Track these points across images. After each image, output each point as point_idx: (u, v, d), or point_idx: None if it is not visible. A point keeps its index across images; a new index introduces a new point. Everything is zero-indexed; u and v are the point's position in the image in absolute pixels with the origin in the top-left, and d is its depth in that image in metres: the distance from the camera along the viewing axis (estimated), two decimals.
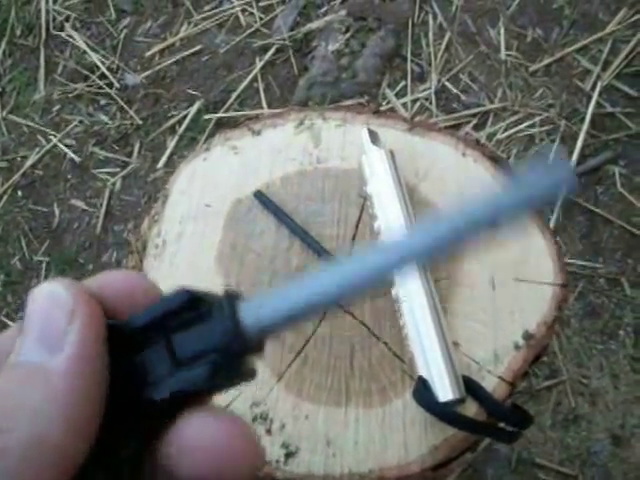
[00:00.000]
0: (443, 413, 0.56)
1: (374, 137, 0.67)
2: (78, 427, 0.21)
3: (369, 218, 0.67)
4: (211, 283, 0.67)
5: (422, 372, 0.58)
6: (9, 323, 1.49)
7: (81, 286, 0.24)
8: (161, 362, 0.24)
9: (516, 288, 0.64)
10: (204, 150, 0.74)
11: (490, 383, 0.61)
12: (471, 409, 0.60)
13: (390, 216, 0.63)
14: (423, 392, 0.57)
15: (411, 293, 0.60)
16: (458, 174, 0.69)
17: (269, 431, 0.61)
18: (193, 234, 0.69)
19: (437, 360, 0.58)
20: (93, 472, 0.22)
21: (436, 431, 0.59)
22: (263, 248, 0.67)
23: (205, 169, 0.72)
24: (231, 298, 0.24)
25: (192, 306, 0.24)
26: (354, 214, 0.68)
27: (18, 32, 1.81)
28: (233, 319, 0.24)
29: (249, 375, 0.25)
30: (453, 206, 0.24)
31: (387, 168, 0.65)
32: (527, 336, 0.62)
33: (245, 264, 0.67)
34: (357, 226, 0.67)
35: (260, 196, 0.68)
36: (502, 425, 0.60)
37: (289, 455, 0.60)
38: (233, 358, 0.24)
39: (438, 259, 0.24)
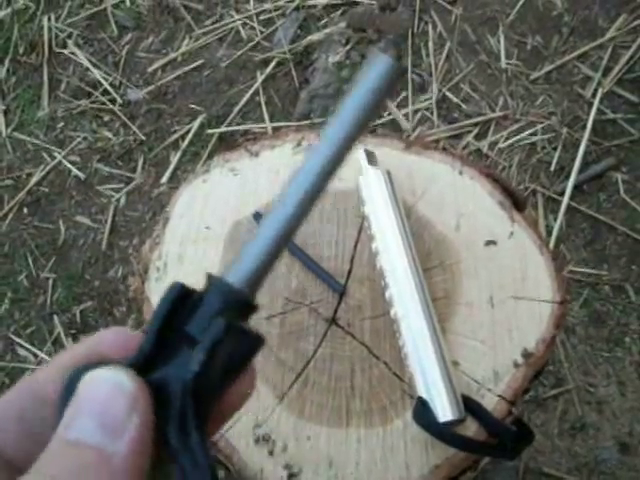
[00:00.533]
0: (443, 433, 0.57)
1: (371, 157, 0.68)
2: None
3: (367, 239, 0.67)
4: None
5: (422, 392, 0.59)
6: (16, 339, 1.50)
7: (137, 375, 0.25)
8: (182, 351, 0.26)
9: (515, 306, 0.64)
10: (203, 172, 0.74)
11: (490, 402, 0.61)
12: (471, 428, 0.60)
13: (387, 236, 0.64)
14: (423, 413, 0.58)
15: (409, 313, 0.61)
16: (455, 192, 0.69)
17: (272, 453, 0.61)
18: (194, 256, 0.70)
19: (436, 380, 0.58)
20: None
21: (437, 450, 0.60)
22: None
23: (205, 191, 0.73)
24: (213, 276, 0.27)
25: (187, 295, 0.26)
26: (352, 235, 0.68)
27: (21, 50, 1.83)
28: (223, 286, 0.26)
29: (259, 340, 0.27)
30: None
31: (384, 189, 0.66)
32: (526, 354, 0.62)
33: None
34: (355, 247, 0.68)
35: (259, 218, 0.69)
36: (503, 442, 0.60)
37: (292, 476, 0.60)
38: (237, 315, 0.27)
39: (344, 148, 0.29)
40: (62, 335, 1.46)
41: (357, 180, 0.68)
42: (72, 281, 1.53)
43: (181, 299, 0.26)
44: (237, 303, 0.27)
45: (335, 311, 0.65)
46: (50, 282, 1.54)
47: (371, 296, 0.65)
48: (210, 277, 0.27)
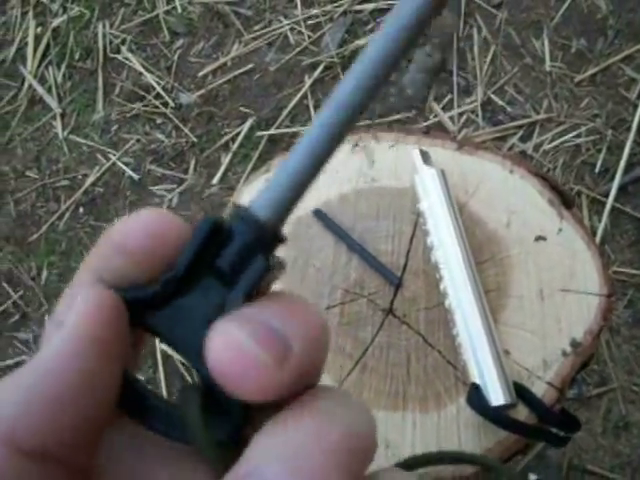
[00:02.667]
0: (496, 417, 0.60)
1: (425, 157, 0.72)
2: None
3: (422, 234, 0.71)
4: None
5: (475, 378, 0.62)
6: None
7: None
8: (216, 288, 0.25)
9: (563, 299, 0.67)
10: (264, 172, 0.78)
11: (539, 389, 0.64)
12: (522, 414, 0.63)
13: (442, 231, 0.68)
14: (476, 397, 0.61)
15: (463, 303, 0.64)
16: (506, 190, 0.72)
17: None
18: None
19: (489, 367, 0.62)
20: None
21: (489, 434, 0.63)
22: (323, 263, 0.72)
23: None
24: (242, 207, 0.26)
25: (219, 228, 0.25)
26: (408, 230, 0.72)
27: (77, 56, 1.89)
28: (253, 218, 0.25)
29: (282, 265, 0.26)
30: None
31: (438, 186, 0.69)
32: (575, 344, 0.65)
33: (306, 278, 0.72)
34: (411, 241, 0.71)
35: (319, 214, 0.73)
36: (551, 429, 0.63)
37: None
38: (268, 249, 0.26)
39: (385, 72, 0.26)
40: None
41: (412, 179, 0.72)
42: None
43: (213, 233, 0.25)
44: (267, 237, 0.25)
45: (391, 302, 0.69)
46: None
47: (426, 288, 0.69)
48: (238, 208, 0.26)
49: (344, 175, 0.76)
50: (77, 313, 0.23)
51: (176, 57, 1.81)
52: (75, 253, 1.65)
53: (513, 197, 0.72)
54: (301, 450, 0.21)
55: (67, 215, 1.70)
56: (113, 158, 1.72)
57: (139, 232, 0.25)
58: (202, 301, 0.25)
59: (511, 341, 0.66)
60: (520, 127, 1.55)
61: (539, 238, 0.70)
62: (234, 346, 0.22)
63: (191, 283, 0.25)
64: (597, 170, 1.48)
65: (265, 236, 0.25)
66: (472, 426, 0.63)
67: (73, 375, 0.22)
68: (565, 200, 0.72)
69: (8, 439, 0.21)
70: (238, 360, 0.21)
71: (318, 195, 0.75)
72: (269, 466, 0.20)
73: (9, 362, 1.56)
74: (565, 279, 0.68)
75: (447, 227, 0.67)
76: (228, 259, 0.25)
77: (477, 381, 0.62)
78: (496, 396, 0.61)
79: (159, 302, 0.25)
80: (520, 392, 0.62)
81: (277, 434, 0.22)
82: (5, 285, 1.66)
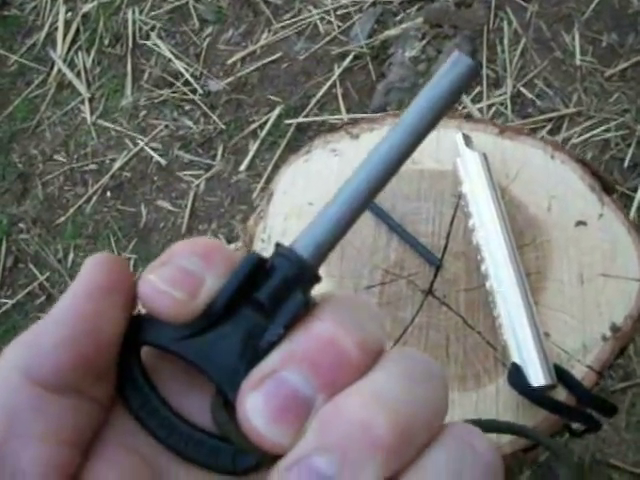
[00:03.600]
0: (536, 397, 0.60)
1: (468, 141, 0.72)
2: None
3: (463, 216, 0.71)
4: None
5: (515, 359, 0.63)
6: None
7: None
8: (253, 319, 0.26)
9: (603, 283, 0.67)
10: (305, 152, 0.79)
11: (579, 372, 0.64)
12: (561, 396, 0.63)
13: (484, 214, 0.68)
14: (517, 377, 0.61)
15: (504, 285, 0.65)
16: (547, 175, 0.73)
17: None
18: (297, 231, 0.74)
19: (530, 348, 0.62)
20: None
21: (527, 415, 0.63)
22: (362, 243, 0.73)
23: (307, 170, 0.78)
24: (282, 246, 0.28)
25: (261, 264, 0.27)
26: (448, 213, 0.72)
27: (106, 41, 1.90)
28: (293, 256, 0.27)
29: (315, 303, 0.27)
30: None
31: (481, 170, 0.70)
32: (614, 329, 0.65)
33: (345, 258, 0.72)
34: (452, 223, 0.72)
35: None
36: (590, 412, 0.64)
37: None
38: (306, 287, 0.27)
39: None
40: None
41: (454, 161, 0.72)
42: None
43: (256, 269, 0.26)
44: (307, 275, 0.27)
45: (431, 283, 0.70)
46: (132, 262, 1.61)
47: (466, 270, 0.70)
48: (280, 246, 0.28)
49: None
50: (86, 268, 0.26)
51: (205, 44, 1.82)
52: (102, 237, 1.66)
53: (554, 182, 0.72)
54: (316, 351, 0.23)
55: (94, 199, 1.71)
56: (141, 143, 1.73)
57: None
58: (238, 331, 0.26)
59: (551, 324, 0.66)
60: (549, 120, 1.55)
61: (580, 223, 0.70)
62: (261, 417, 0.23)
63: (228, 314, 0.26)
64: (626, 165, 1.47)
65: (305, 274, 0.26)
66: (510, 407, 0.64)
67: (84, 312, 0.25)
68: (606, 186, 0.72)
69: (26, 372, 0.24)
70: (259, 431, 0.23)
71: None
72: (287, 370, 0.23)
73: None
74: (605, 264, 0.68)
75: (489, 209, 0.68)
76: (268, 292, 0.26)
77: (517, 362, 0.62)
78: (536, 377, 0.61)
79: (194, 333, 0.26)
80: (560, 374, 0.62)
81: (293, 340, 0.24)
82: (32, 267, 1.67)
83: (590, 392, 0.63)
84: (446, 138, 0.75)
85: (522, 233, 0.70)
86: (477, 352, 0.66)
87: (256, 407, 0.23)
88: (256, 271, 0.26)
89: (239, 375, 0.25)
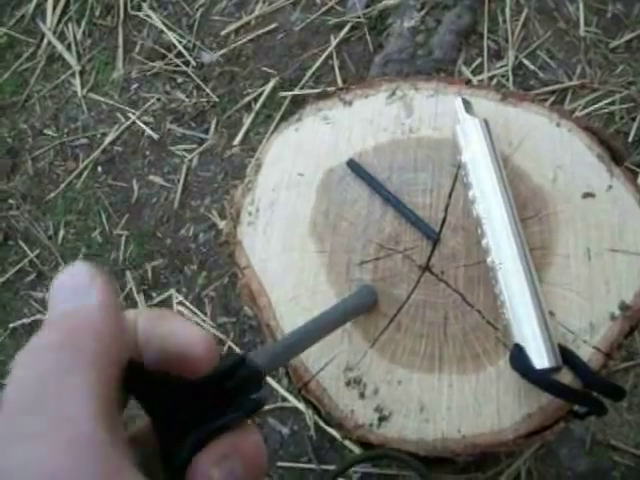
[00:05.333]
0: (540, 380, 0.56)
1: (468, 106, 0.67)
2: (113, 330, 0.29)
3: (463, 187, 0.67)
4: (304, 250, 0.68)
5: (518, 340, 0.59)
6: None
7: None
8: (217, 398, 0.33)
9: (612, 259, 0.63)
10: (296, 120, 0.75)
11: (585, 353, 0.60)
12: (565, 379, 0.59)
13: (485, 184, 0.63)
14: (520, 359, 0.57)
15: (507, 260, 0.60)
16: (552, 144, 0.68)
17: (362, 395, 0.62)
18: (286, 202, 0.70)
19: (534, 328, 0.58)
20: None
21: (530, 399, 0.59)
22: (356, 216, 0.68)
23: (297, 139, 0.73)
24: (250, 358, 0.37)
25: (239, 364, 0.35)
26: (447, 184, 0.68)
27: (97, 12, 1.85)
28: (255, 367, 0.36)
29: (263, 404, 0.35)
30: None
31: (482, 136, 0.65)
32: (623, 307, 0.61)
33: (338, 232, 0.68)
34: (450, 195, 0.67)
35: (353, 165, 0.69)
36: (596, 396, 0.60)
37: (382, 419, 0.61)
38: (257, 387, 0.36)
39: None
40: (134, 290, 1.49)
41: (453, 129, 0.68)
42: (144, 238, 1.56)
43: (236, 366, 0.35)
44: (261, 379, 0.37)
45: (429, 258, 0.65)
46: (123, 239, 1.57)
47: (465, 244, 0.65)
48: (248, 357, 0.37)
49: (380, 125, 0.72)
50: (98, 285, 0.30)
51: (198, 15, 1.77)
52: (92, 212, 1.62)
53: (560, 151, 0.68)
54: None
55: (85, 174, 1.67)
56: (133, 117, 1.69)
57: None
58: (197, 404, 0.32)
59: (556, 302, 0.62)
60: (552, 93, 1.50)
61: (587, 195, 0.66)
62: None
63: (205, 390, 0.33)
64: (630, 139, 1.43)
65: (260, 379, 0.37)
66: (512, 391, 0.60)
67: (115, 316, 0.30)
68: (615, 155, 0.67)
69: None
70: None
71: (351, 146, 0.71)
72: None
73: (25, 320, 1.54)
74: (614, 238, 0.64)
75: (491, 180, 0.63)
76: (236, 386, 0.34)
77: (520, 342, 0.58)
78: (540, 359, 0.57)
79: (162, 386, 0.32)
80: (565, 356, 0.58)
81: None
82: (22, 243, 1.64)
83: (597, 375, 0.59)
84: (445, 104, 0.71)
85: (525, 205, 0.66)
86: (477, 332, 0.62)
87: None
88: (236, 367, 0.35)
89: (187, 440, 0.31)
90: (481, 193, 0.63)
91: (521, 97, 0.71)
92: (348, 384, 0.63)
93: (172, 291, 1.47)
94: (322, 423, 1.25)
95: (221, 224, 1.51)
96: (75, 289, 0.30)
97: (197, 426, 0.32)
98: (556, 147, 0.68)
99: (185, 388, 0.32)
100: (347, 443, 1.24)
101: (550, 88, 1.50)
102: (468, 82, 0.72)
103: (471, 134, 0.65)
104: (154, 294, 1.49)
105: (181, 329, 0.32)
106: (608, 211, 0.65)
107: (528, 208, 0.65)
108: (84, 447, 0.25)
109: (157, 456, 0.32)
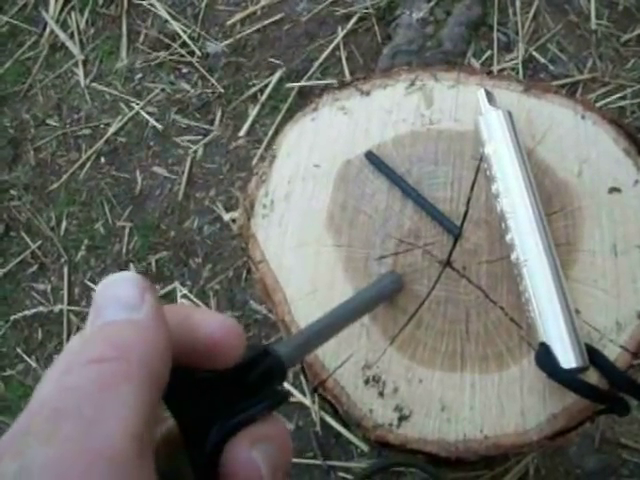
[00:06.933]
0: (567, 380, 0.55)
1: (490, 97, 0.66)
2: (162, 349, 0.29)
3: (485, 181, 0.65)
4: (320, 244, 0.66)
5: (544, 339, 0.57)
6: (92, 286, 1.52)
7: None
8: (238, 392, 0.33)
9: (639, 256, 0.61)
10: (312, 110, 0.73)
11: (612, 352, 0.59)
12: (591, 378, 0.58)
13: (509, 178, 0.62)
14: (546, 358, 0.56)
15: (532, 257, 0.59)
16: (577, 137, 0.66)
17: (382, 394, 0.60)
18: (302, 195, 0.68)
19: (560, 326, 0.56)
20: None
21: (555, 400, 0.58)
22: (374, 210, 0.66)
23: (313, 129, 0.71)
24: (273, 348, 0.36)
25: (263, 354, 0.35)
26: (469, 177, 0.66)
27: (100, 1, 1.83)
28: (278, 359, 0.36)
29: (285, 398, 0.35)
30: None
31: (505, 129, 0.63)
32: None
33: (356, 225, 0.66)
34: (472, 188, 0.65)
35: (372, 157, 0.67)
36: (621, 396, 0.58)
37: (402, 418, 0.59)
38: (279, 381, 0.36)
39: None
40: None
41: (475, 120, 0.66)
42: (148, 230, 1.54)
43: (260, 356, 0.35)
44: (284, 371, 0.36)
45: (450, 253, 0.64)
46: (126, 231, 1.55)
47: (488, 239, 0.63)
48: (270, 349, 0.36)
49: (399, 116, 0.70)
50: (149, 300, 0.30)
51: (203, 4, 1.74)
52: (95, 203, 1.60)
53: (585, 145, 0.66)
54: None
55: (88, 165, 1.65)
56: (136, 107, 1.67)
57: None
58: (221, 397, 0.32)
59: (582, 299, 0.60)
60: (562, 87, 1.48)
61: (613, 190, 0.64)
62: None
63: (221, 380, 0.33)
64: None
65: (282, 372, 0.36)
66: (537, 391, 0.58)
67: (164, 334, 0.30)
68: None
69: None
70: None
71: (370, 137, 0.70)
72: None
73: (26, 312, 1.52)
74: None
75: (515, 173, 0.61)
76: (256, 379, 0.34)
77: (546, 341, 0.57)
78: (567, 358, 0.55)
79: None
80: (591, 355, 0.57)
81: None
82: (24, 235, 1.62)
83: (625, 374, 0.57)
84: (466, 95, 0.69)
85: (550, 200, 0.64)
86: (500, 330, 0.60)
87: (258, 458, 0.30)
88: (259, 357, 0.35)
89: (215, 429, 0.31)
90: (505, 187, 0.61)
91: (545, 88, 0.69)
92: (367, 382, 0.61)
93: (176, 284, 1.46)
94: (332, 421, 1.24)
95: (226, 216, 1.49)
96: (126, 301, 0.30)
97: (223, 419, 0.31)
98: (581, 140, 0.66)
99: (209, 382, 0.32)
100: (353, 439, 1.23)
101: (561, 82, 1.48)
102: (489, 72, 0.70)
103: (494, 126, 0.63)
104: (158, 287, 1.47)
105: (209, 318, 0.32)
106: (635, 207, 0.63)
107: (553, 203, 0.64)
108: (112, 463, 0.24)
109: (185, 458, 0.31)
